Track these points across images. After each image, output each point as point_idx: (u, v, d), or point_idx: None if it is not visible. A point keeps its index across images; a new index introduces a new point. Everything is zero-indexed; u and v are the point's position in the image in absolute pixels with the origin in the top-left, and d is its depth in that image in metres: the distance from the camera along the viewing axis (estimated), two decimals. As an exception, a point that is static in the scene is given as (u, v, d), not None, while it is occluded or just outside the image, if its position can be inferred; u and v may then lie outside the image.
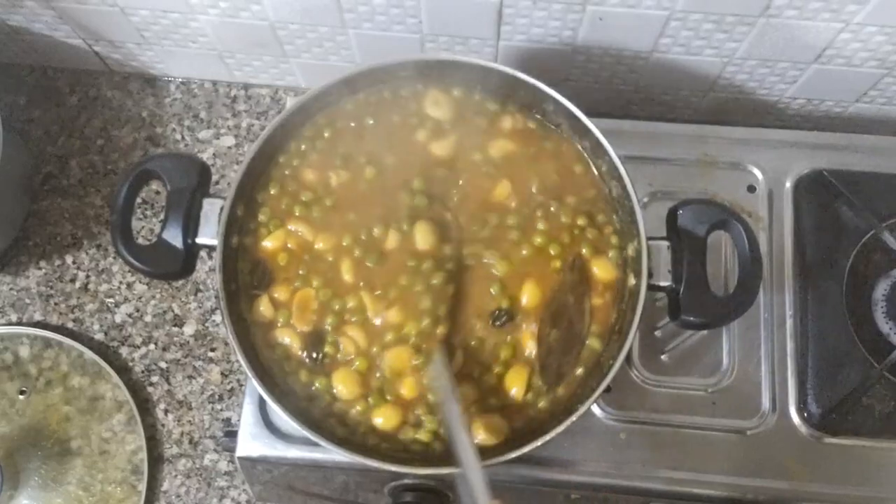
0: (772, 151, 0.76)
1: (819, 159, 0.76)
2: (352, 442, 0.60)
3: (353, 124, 0.66)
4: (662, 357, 0.71)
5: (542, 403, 0.61)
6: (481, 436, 0.59)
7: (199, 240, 0.62)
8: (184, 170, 0.62)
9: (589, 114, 0.64)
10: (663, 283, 0.61)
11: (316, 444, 0.58)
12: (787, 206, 0.74)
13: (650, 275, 0.60)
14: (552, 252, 0.63)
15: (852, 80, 0.80)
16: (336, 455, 0.58)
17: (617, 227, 0.65)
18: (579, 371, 0.61)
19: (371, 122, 0.67)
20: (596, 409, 0.69)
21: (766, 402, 0.69)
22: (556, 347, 0.61)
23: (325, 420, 0.61)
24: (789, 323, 0.71)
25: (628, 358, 0.71)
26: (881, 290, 0.72)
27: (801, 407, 0.69)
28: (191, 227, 0.62)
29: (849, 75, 0.79)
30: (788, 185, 0.75)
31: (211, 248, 0.62)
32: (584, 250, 0.63)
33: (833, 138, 0.77)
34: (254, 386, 0.59)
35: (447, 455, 0.59)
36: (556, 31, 0.77)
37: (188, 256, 0.62)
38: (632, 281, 0.62)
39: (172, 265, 0.62)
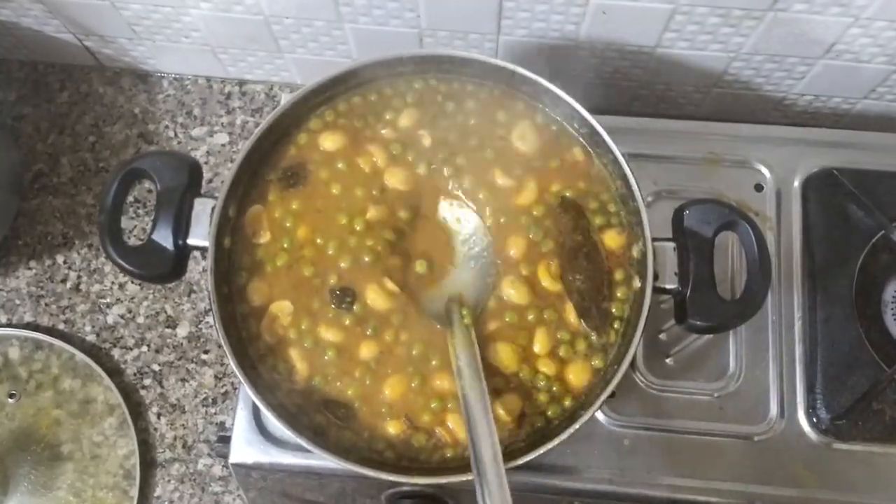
0: (780, 149, 0.74)
1: (828, 157, 0.74)
2: (349, 451, 0.58)
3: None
4: (667, 361, 0.70)
5: (596, 361, 0.60)
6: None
7: (191, 241, 0.60)
8: (174, 169, 0.60)
9: (591, 110, 0.62)
10: (669, 286, 0.59)
11: (311, 451, 0.56)
12: (796, 206, 0.73)
13: (656, 277, 0.58)
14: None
15: (861, 75, 0.78)
16: (331, 462, 0.57)
17: (623, 218, 0.63)
18: (617, 310, 0.60)
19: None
20: (599, 415, 0.67)
21: (774, 408, 0.68)
22: (586, 289, 0.60)
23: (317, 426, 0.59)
24: (798, 326, 0.69)
25: (632, 362, 0.68)
26: (891, 291, 0.71)
27: (810, 412, 0.67)
28: (182, 228, 0.60)
29: (858, 71, 0.77)
30: (797, 183, 0.73)
31: (203, 250, 0.60)
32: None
33: (843, 136, 0.76)
34: (247, 392, 0.57)
35: (454, 463, 0.58)
36: (559, 25, 0.75)
37: (179, 258, 0.60)
38: (637, 283, 0.60)
39: (163, 267, 0.60)
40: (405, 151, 0.64)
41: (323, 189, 0.63)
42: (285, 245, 0.62)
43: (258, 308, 0.61)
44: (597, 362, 0.60)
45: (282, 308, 0.61)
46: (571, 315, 0.60)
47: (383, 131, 0.64)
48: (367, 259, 0.61)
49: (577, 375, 0.59)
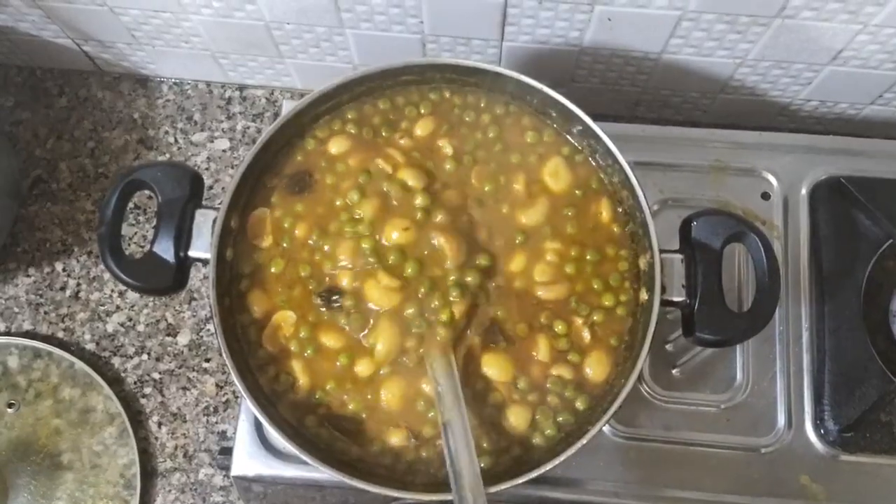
0: (787, 157, 0.74)
1: (836, 165, 0.73)
2: (353, 465, 0.57)
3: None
4: (674, 372, 0.69)
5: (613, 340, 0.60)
6: None
7: (192, 253, 0.59)
8: (175, 180, 0.60)
9: (594, 117, 0.61)
10: (677, 299, 0.58)
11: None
12: (803, 214, 0.72)
13: (663, 290, 0.58)
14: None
15: (868, 82, 0.77)
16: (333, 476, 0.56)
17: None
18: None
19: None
20: (605, 427, 0.66)
21: (781, 419, 0.67)
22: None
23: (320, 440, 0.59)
24: (805, 336, 0.69)
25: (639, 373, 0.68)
26: (899, 300, 0.70)
27: (818, 424, 0.67)
28: (183, 240, 0.59)
29: (865, 77, 0.76)
30: (804, 192, 0.73)
31: (204, 261, 0.59)
32: None
33: (850, 143, 0.75)
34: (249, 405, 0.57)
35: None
36: (563, 31, 0.74)
37: (180, 270, 0.59)
38: (644, 296, 0.59)
39: (164, 280, 0.59)
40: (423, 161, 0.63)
41: (330, 195, 0.62)
42: (285, 245, 0.61)
43: (259, 318, 0.60)
44: (613, 341, 0.59)
45: (285, 318, 0.60)
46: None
47: (402, 141, 0.64)
48: (369, 260, 0.60)
49: (595, 367, 0.59)
